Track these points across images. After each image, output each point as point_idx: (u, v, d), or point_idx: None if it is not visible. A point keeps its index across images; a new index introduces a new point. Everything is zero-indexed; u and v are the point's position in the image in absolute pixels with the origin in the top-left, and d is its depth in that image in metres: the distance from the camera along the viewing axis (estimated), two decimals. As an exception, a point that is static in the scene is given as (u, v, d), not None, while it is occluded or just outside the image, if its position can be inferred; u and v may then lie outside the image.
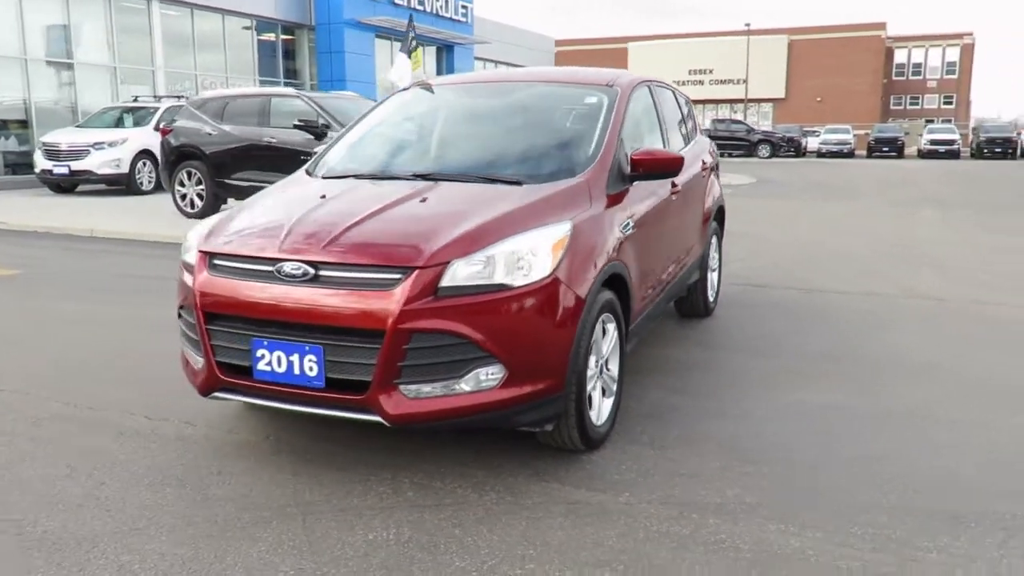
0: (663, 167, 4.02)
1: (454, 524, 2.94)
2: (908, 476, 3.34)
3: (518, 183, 3.68)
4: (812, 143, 46.72)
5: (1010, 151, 40.73)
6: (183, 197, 11.45)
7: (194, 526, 2.93)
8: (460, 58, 30.12)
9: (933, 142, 42.65)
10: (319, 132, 10.19)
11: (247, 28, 23.75)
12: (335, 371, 3.04)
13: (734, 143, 39.27)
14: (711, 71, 69.78)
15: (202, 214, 11.24)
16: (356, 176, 4.00)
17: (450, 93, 4.77)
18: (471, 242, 3.10)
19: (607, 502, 3.12)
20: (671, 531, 2.89)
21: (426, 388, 3.03)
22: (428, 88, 4.87)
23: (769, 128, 50.15)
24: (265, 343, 3.13)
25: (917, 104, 72.04)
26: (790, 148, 42.10)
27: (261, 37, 24.15)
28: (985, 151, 41.37)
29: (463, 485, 3.25)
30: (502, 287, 3.05)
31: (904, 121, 61.92)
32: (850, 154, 44.62)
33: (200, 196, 11.31)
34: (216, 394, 3.34)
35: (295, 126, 10.22)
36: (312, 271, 3.08)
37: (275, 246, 3.22)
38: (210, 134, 11.12)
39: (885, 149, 44.29)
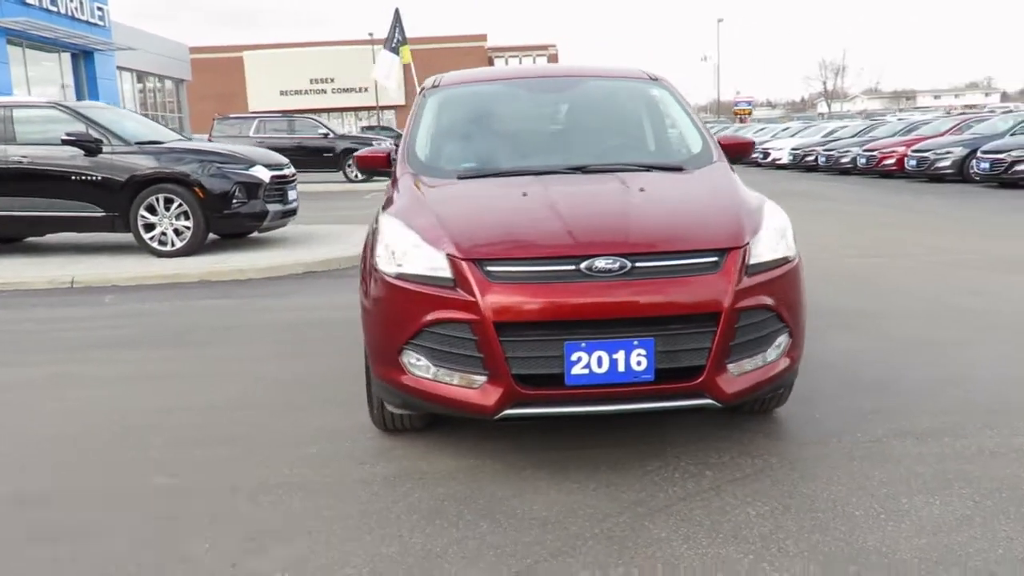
0: (742, 151, 4.43)
1: (786, 495, 3.04)
2: (1010, 383, 4.19)
3: (681, 169, 3.85)
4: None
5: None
6: None
7: (591, 547, 2.72)
8: (101, 66, 26.78)
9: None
10: (92, 148, 8.72)
11: None
12: (665, 361, 3.00)
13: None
14: (333, 80, 70.30)
15: (-75, 256, 8.96)
16: (500, 174, 3.81)
17: (508, 88, 4.66)
18: (750, 221, 3.25)
19: (859, 446, 3.47)
20: (943, 452, 3.37)
21: (745, 364, 3.13)
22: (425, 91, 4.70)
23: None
24: (583, 345, 2.96)
25: (519, 108, 79.91)
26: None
27: None
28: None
29: (735, 458, 3.37)
30: (786, 260, 3.26)
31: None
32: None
33: (-87, 234, 8.98)
34: (509, 411, 3.04)
35: (64, 141, 8.62)
36: (629, 264, 3.00)
37: (568, 244, 3.05)
38: (-77, 156, 8.87)
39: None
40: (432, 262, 3.12)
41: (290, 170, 9.87)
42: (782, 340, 3.24)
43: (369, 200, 17.49)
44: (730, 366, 3.08)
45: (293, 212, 9.85)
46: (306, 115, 25.97)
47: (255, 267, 8.11)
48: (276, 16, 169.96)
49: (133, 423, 4.03)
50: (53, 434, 3.92)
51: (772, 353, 3.22)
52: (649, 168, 3.87)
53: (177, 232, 8.81)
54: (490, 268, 3.03)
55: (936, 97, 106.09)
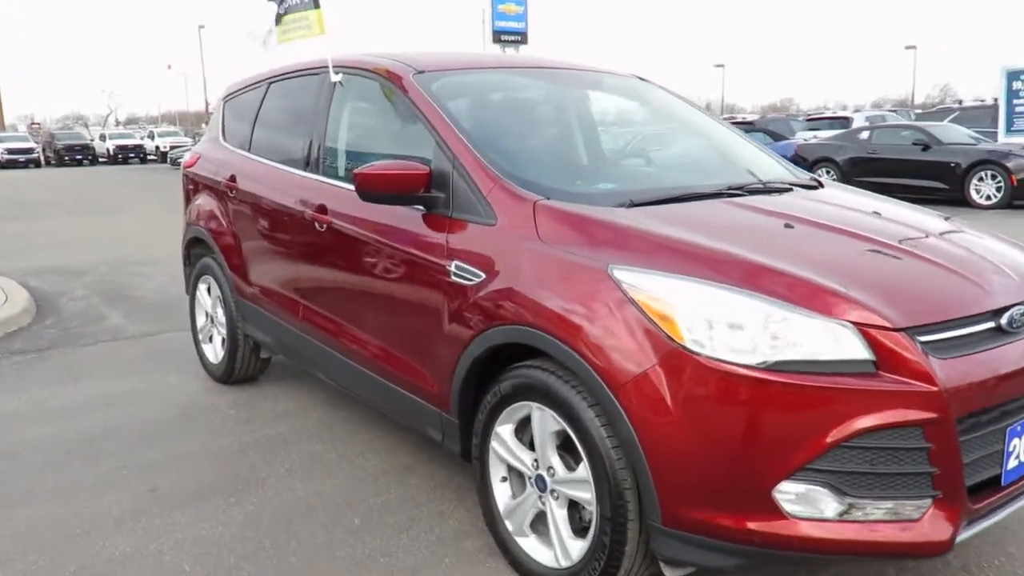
0: None
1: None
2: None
3: (815, 187, 3.23)
4: None
5: (88, 158, 41.76)
6: None
7: None
8: None
9: (12, 151, 40.16)
10: None
11: None
12: None
13: None
14: None
15: None
16: (677, 199, 2.70)
17: (527, 79, 3.50)
18: None
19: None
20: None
21: None
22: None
23: None
24: (1018, 428, 2.18)
25: None
26: None
27: None
28: (66, 158, 41.40)
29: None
30: None
31: None
32: None
33: None
34: (962, 536, 2.09)
35: None
36: None
37: (979, 293, 2.24)
38: None
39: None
40: (830, 338, 2.00)
41: None
42: None
43: None
44: None
45: None
46: None
47: None
48: None
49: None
50: None
51: None
52: (792, 186, 3.14)
53: None
54: (924, 338, 2.04)
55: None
